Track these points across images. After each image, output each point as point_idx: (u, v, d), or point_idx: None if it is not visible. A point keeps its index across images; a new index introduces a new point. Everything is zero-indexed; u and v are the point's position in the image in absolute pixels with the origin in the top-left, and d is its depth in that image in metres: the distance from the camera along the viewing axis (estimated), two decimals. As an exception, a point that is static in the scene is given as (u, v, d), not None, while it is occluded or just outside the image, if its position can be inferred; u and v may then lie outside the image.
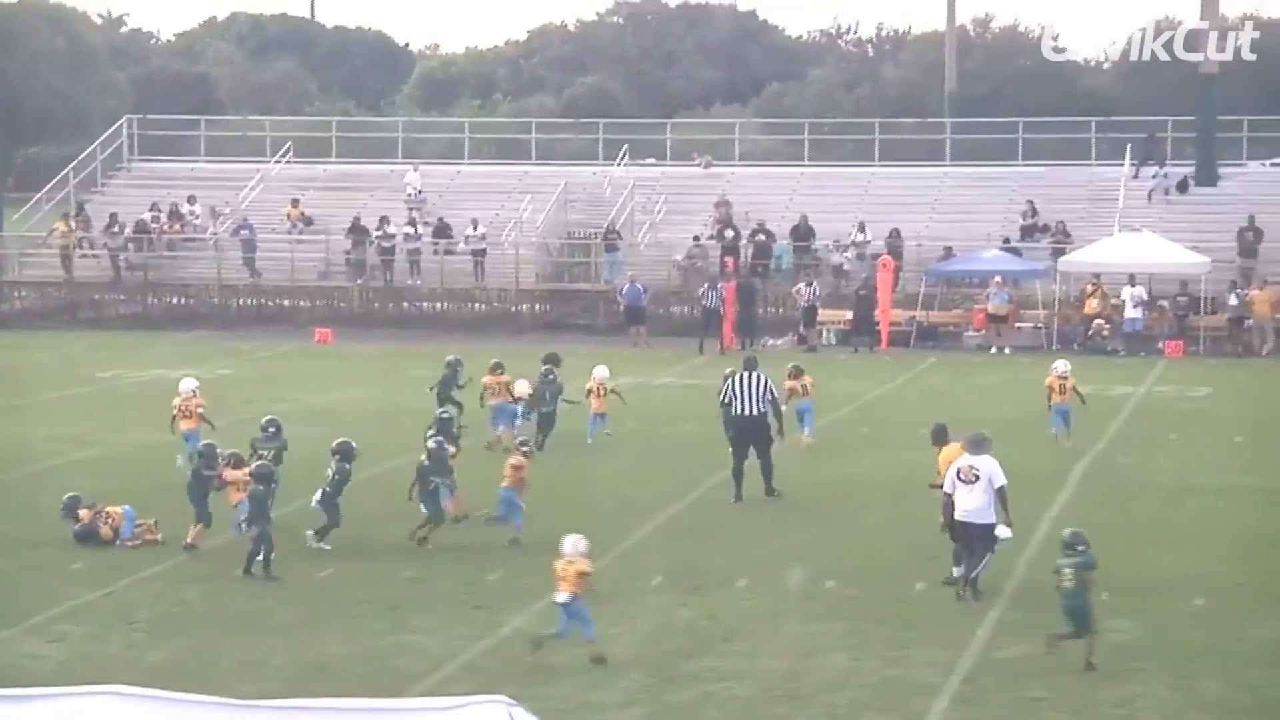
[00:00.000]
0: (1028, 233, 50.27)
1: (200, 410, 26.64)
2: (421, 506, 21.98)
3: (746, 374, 25.05)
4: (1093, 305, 45.03)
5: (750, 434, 24.73)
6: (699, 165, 57.90)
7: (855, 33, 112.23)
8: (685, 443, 29.49)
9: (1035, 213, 50.74)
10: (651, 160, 59.46)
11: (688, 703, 15.89)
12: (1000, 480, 19.11)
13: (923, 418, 31.36)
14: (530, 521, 22.19)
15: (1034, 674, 16.54)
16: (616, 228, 51.80)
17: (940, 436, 20.71)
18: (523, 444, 23.34)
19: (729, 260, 48.36)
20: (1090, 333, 42.59)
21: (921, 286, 47.69)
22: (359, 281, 51.98)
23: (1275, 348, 43.72)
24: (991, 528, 19.07)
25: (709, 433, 30.48)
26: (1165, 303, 45.74)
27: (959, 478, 19.24)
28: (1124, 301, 44.90)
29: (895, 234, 49.78)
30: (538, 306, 51.17)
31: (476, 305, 51.33)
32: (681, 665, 16.92)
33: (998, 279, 45.87)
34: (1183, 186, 52.38)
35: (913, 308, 46.79)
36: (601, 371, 30.30)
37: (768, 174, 57.75)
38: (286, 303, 51.59)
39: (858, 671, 16.68)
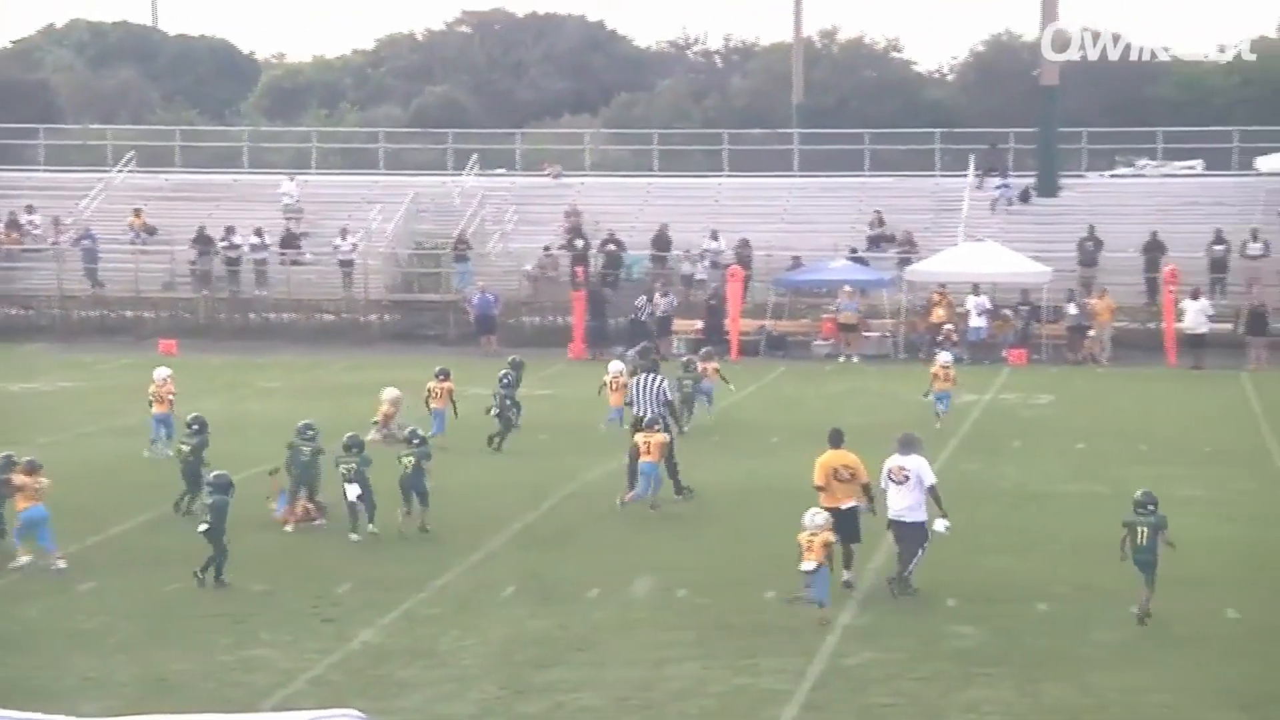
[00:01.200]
0: (875, 243, 50.75)
1: (170, 397, 28.64)
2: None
3: (645, 376, 26.23)
4: (938, 314, 45.56)
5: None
6: (549, 175, 57.88)
7: (703, 43, 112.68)
8: (538, 453, 29.44)
9: (882, 223, 51.26)
10: (501, 170, 59.39)
11: (539, 713, 15.85)
12: (930, 479, 19.66)
13: (773, 426, 31.69)
14: (376, 532, 22.24)
15: (881, 680, 16.68)
16: (466, 238, 51.61)
17: (837, 439, 20.70)
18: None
19: (579, 270, 48.36)
20: (940, 338, 43.13)
21: (770, 296, 48.01)
22: (204, 292, 51.35)
23: (1115, 355, 44.44)
24: (922, 525, 19.58)
25: (562, 443, 30.57)
26: (1009, 311, 46.40)
27: (890, 478, 19.76)
28: (968, 310, 45.50)
29: (744, 244, 50.06)
30: (387, 317, 50.87)
31: (325, 316, 50.90)
32: (533, 676, 16.87)
33: (847, 288, 46.30)
34: (1025, 197, 53.20)
35: (762, 317, 47.08)
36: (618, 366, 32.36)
37: (617, 184, 57.84)
38: (130, 314, 50.80)
39: (708, 680, 16.72)
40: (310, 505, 23.60)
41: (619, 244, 50.89)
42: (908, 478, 19.64)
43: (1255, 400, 36.96)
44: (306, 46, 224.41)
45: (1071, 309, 45.21)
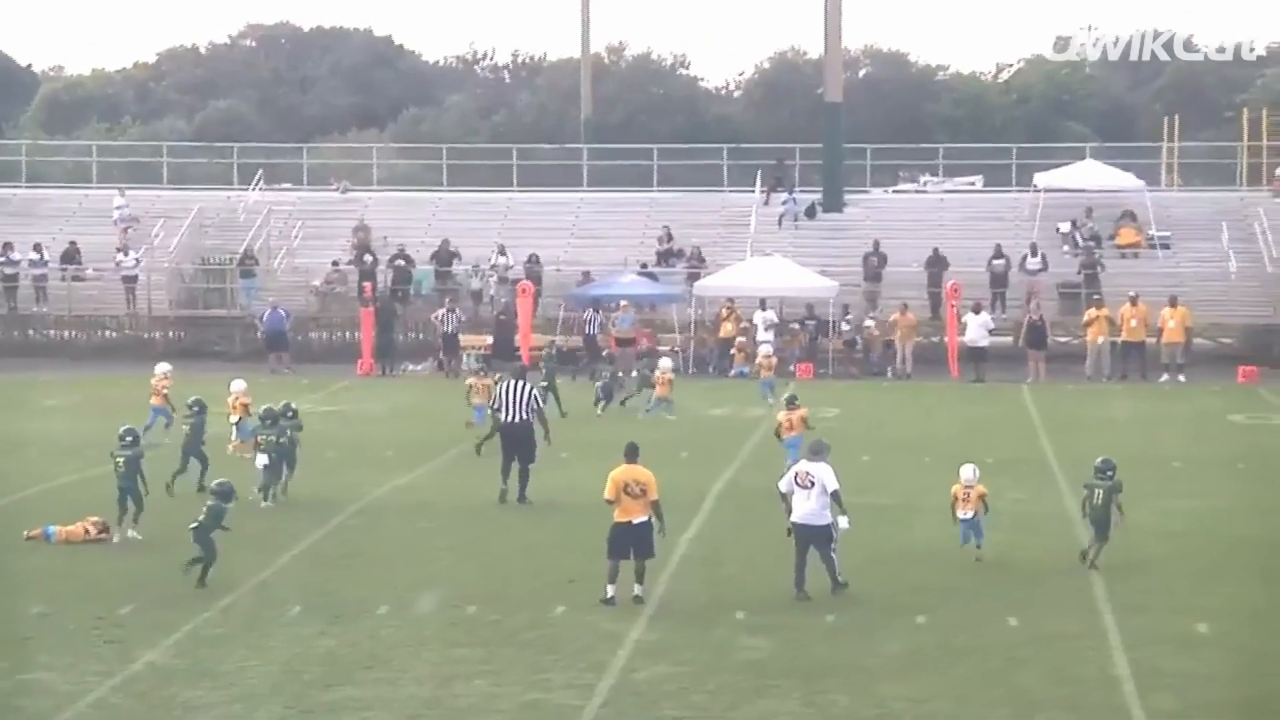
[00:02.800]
0: (664, 258, 51.05)
1: (165, 391, 31.33)
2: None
3: (513, 383, 26.68)
4: (727, 329, 45.94)
5: (515, 440, 26.30)
6: (336, 190, 57.39)
7: (491, 59, 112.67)
8: (324, 469, 29.09)
9: (671, 238, 51.57)
10: (287, 185, 58.75)
11: (328, 734, 15.64)
12: (834, 485, 20.38)
13: (563, 441, 31.60)
14: (153, 552, 22.07)
15: (672, 694, 16.72)
16: (253, 253, 50.95)
17: (632, 453, 20.71)
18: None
19: (367, 286, 47.95)
20: (734, 350, 43.36)
21: (561, 311, 48.03)
22: (-20, 310, 50.08)
23: (905, 371, 45.14)
24: (827, 528, 20.34)
25: (349, 460, 30.29)
26: (796, 325, 46.93)
27: (796, 483, 20.47)
28: (756, 325, 45.93)
29: (534, 259, 50.06)
30: (172, 333, 50.01)
31: (107, 333, 49.90)
32: (321, 695, 16.65)
33: (623, 303, 46.47)
34: (811, 212, 53.88)
35: (553, 332, 47.06)
36: (666, 362, 38.00)
37: (406, 199, 57.56)
38: (-99, 333, 49.39)
39: (498, 697, 16.63)
40: (95, 523, 23.19)
41: (408, 259, 50.59)
42: (813, 483, 20.38)
43: (1034, 411, 37.76)
44: (86, 59, 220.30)
45: (844, 325, 45.94)
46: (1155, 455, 30.09)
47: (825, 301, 47.05)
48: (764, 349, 40.03)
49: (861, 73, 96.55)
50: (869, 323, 46.35)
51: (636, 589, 19.90)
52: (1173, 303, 44.87)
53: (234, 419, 30.11)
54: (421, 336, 48.59)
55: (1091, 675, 17.23)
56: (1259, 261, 49.17)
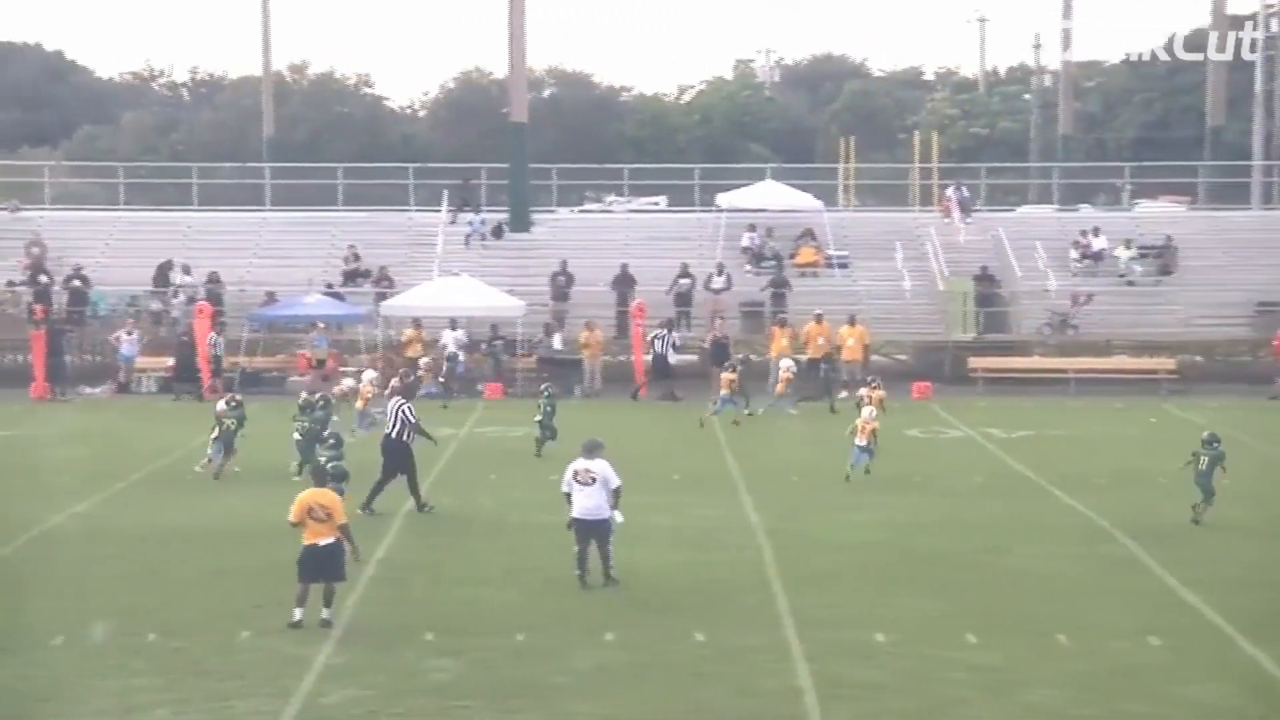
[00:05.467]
0: (350, 277, 50.57)
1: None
2: None
3: (398, 401, 27.62)
4: (415, 349, 45.71)
5: (394, 455, 27.11)
6: (7, 209, 55.59)
7: (169, 76, 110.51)
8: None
9: (357, 257, 51.11)
10: (-46, 204, 56.76)
11: (1, 771, 15.10)
12: (615, 482, 21.63)
13: (253, 465, 31.07)
14: None
15: (359, 717, 16.55)
16: (-82, 274, 49.10)
17: (319, 477, 20.45)
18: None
19: (38, 307, 46.40)
20: (421, 370, 43.06)
21: (245, 332, 47.25)
22: None
23: (596, 389, 45.41)
24: (606, 522, 21.52)
25: (22, 486, 29.36)
26: (485, 345, 46.90)
27: (576, 480, 21.59)
28: (446, 345, 45.77)
29: (215, 278, 49.17)
30: None
31: None
32: (-6, 732, 16.08)
33: (320, 325, 45.97)
34: (498, 232, 53.92)
35: (236, 353, 46.26)
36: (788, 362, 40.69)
37: (82, 218, 55.99)
38: None
39: (182, 726, 16.26)
40: None
41: (84, 280, 49.24)
42: (594, 479, 21.47)
43: (720, 429, 38.28)
44: None
45: (556, 342, 46.13)
46: (836, 470, 30.73)
47: (513, 321, 47.11)
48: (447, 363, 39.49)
49: (546, 93, 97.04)
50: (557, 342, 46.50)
51: (324, 612, 19.65)
52: (851, 321, 45.99)
53: None
54: (99, 359, 47.29)
55: (775, 688, 17.51)
56: (931, 280, 50.66)
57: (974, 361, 46.98)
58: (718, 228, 53.49)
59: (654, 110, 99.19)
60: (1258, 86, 72.86)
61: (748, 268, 51.61)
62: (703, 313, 48.55)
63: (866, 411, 31.26)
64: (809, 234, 52.78)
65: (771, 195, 55.63)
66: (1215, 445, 26.35)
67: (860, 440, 30.45)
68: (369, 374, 37.46)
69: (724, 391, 39.19)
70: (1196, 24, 61.25)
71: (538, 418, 33.92)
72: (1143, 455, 33.73)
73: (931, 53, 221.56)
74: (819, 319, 45.76)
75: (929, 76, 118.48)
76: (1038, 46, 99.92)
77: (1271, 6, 74.78)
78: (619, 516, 21.79)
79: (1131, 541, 24.75)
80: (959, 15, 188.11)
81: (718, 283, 49.53)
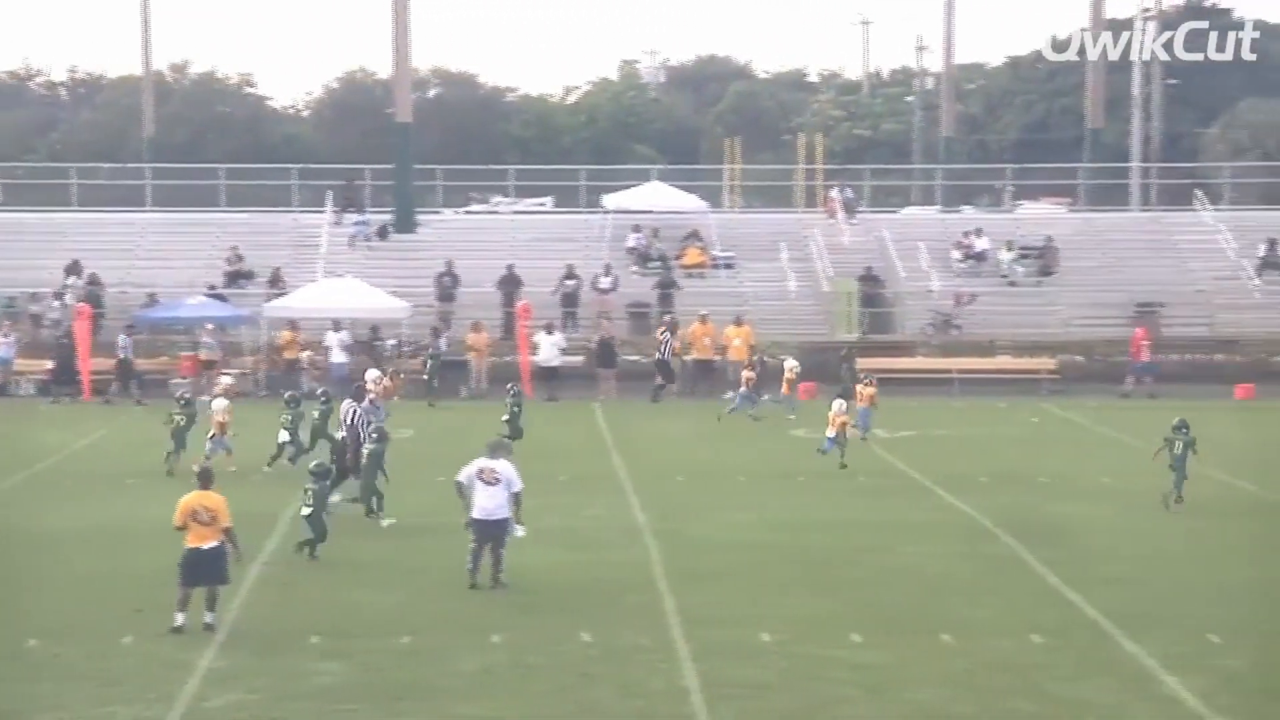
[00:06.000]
0: (233, 279, 50.11)
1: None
2: None
3: (348, 403, 28.51)
4: (293, 351, 45.40)
5: (344, 458, 27.57)
6: (-118, 209, 54.68)
7: (47, 75, 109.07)
8: None
9: (241, 259, 50.66)
10: None
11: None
12: (518, 485, 21.71)
13: (127, 468, 30.77)
14: None
15: (245, 722, 16.45)
16: None
17: (205, 479, 20.17)
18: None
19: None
20: (299, 369, 42.80)
21: (126, 336, 46.62)
22: None
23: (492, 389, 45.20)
24: (505, 523, 21.55)
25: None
26: (375, 346, 46.64)
27: (480, 479, 21.58)
28: (330, 346, 45.49)
29: (95, 280, 48.58)
30: None
31: None
32: None
33: (209, 325, 45.55)
34: (383, 233, 53.64)
35: (116, 355, 45.68)
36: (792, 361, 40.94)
37: (-43, 219, 55.12)
38: None
39: (62, 733, 16.07)
40: None
41: (-41, 281, 48.51)
42: (498, 479, 21.56)
43: (606, 429, 38.33)
44: None
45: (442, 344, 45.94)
46: (721, 469, 30.90)
47: (398, 322, 46.90)
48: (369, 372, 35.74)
49: (431, 93, 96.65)
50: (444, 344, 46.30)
51: (207, 616, 19.47)
52: (737, 321, 46.19)
53: None
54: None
55: (661, 688, 17.55)
56: (816, 281, 50.95)
57: (859, 362, 47.26)
58: (604, 229, 53.52)
59: (539, 111, 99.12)
60: (1135, 89, 73.99)
61: (634, 268, 51.69)
62: (589, 313, 48.57)
63: (836, 404, 32.96)
64: (695, 235, 52.94)
65: (657, 196, 55.74)
66: (1185, 430, 27.69)
67: (831, 431, 32.30)
68: (373, 373, 36.96)
69: (743, 389, 39.67)
70: (1077, 26, 61.85)
71: (505, 417, 33.91)
72: (1025, 454, 34.10)
73: (815, 55, 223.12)
74: (704, 319, 45.93)
75: (813, 78, 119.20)
76: (920, 49, 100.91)
77: (1149, 10, 75.90)
78: (520, 531, 21.81)
79: (1013, 540, 25.01)
80: (843, 17, 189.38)
81: (604, 283, 49.57)
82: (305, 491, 23.47)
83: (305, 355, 43.26)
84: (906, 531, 25.88)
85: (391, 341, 46.63)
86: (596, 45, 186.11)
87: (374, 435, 27.27)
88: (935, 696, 17.28)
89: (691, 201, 55.91)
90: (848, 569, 23.25)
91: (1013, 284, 51.48)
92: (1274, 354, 48.60)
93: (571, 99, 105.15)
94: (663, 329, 46.11)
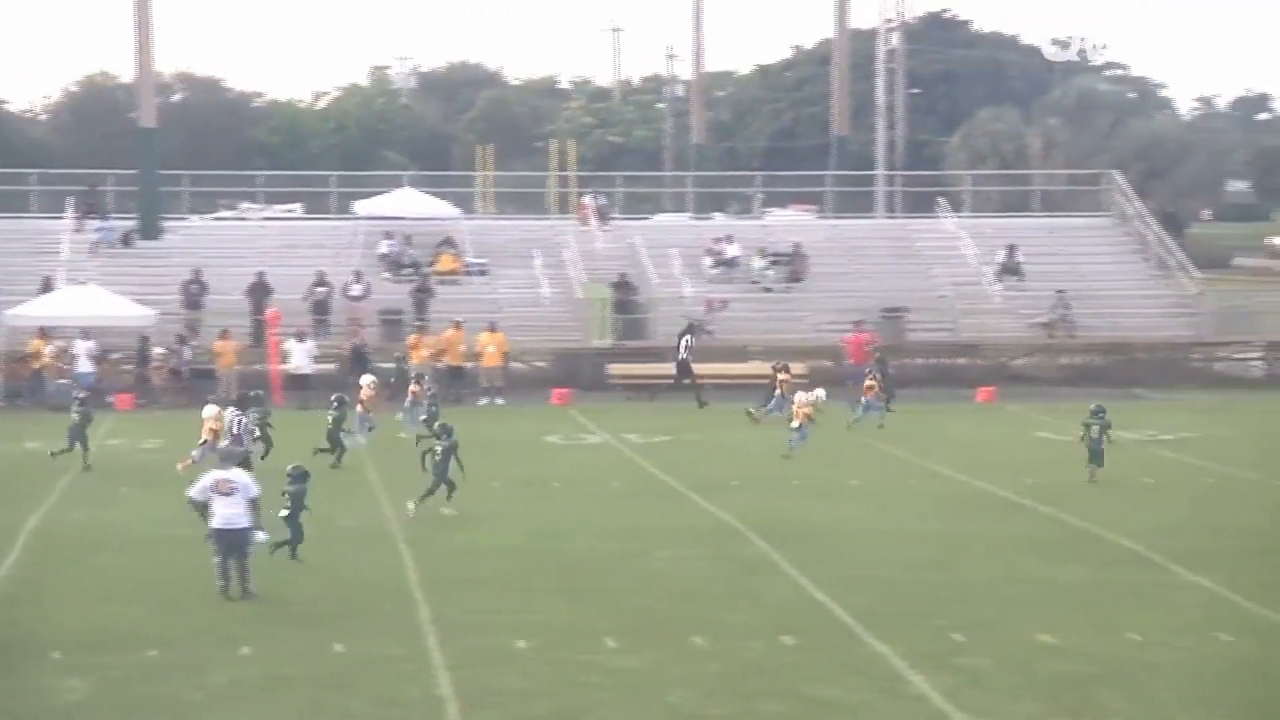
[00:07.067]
0: (-31, 286, 48.68)
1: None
2: None
3: (233, 411, 29.24)
4: (41, 359, 44.30)
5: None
6: None
7: None
8: None
9: (-24, 266, 49.25)
10: None
11: None
12: (255, 491, 21.52)
13: None
14: None
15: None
16: None
17: None
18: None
19: None
20: (44, 378, 41.62)
21: None
22: None
23: (231, 398, 44.46)
24: (246, 533, 21.35)
25: None
26: (117, 355, 45.66)
27: (215, 490, 21.42)
28: (76, 355, 44.44)
29: None
30: None
31: None
32: None
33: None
34: (127, 240, 52.53)
35: None
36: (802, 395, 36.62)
37: None
38: None
39: None
40: None
41: None
42: (235, 489, 21.35)
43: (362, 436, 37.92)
44: None
45: (186, 353, 45.11)
46: (474, 475, 30.77)
47: (145, 330, 45.94)
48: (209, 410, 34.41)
49: (176, 97, 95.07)
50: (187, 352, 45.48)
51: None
52: (491, 328, 46.13)
53: None
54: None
55: (417, 697, 17.44)
56: (569, 287, 51.09)
57: (612, 368, 47.53)
58: (355, 235, 53.08)
59: (288, 116, 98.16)
60: (880, 98, 75.53)
61: (386, 275, 51.32)
62: (341, 321, 48.11)
63: (799, 396, 34.86)
64: (448, 241, 52.74)
65: (409, 203, 55.45)
66: (1102, 415, 30.69)
67: (796, 422, 34.03)
68: (368, 377, 36.45)
69: (778, 393, 39.07)
70: (823, 36, 62.97)
71: (330, 427, 33.60)
72: (777, 458, 34.54)
73: (567, 62, 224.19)
74: (458, 326, 45.81)
75: (565, 85, 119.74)
76: (671, 56, 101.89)
77: (891, 21, 77.55)
78: (261, 535, 21.67)
79: (765, 543, 25.30)
80: (594, 25, 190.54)
81: (356, 290, 49.14)
82: (283, 494, 23.43)
83: (48, 362, 42.20)
84: (660, 536, 26.04)
85: (160, 350, 45.46)
86: (346, 50, 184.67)
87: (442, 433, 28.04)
88: (690, 699, 17.41)
89: (444, 208, 55.71)
90: (603, 575, 23.33)
91: (765, 290, 52.15)
92: (1014, 358, 49.92)
93: (321, 104, 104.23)
94: (685, 331, 46.23)
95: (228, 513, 21.35)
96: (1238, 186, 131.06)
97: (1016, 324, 50.98)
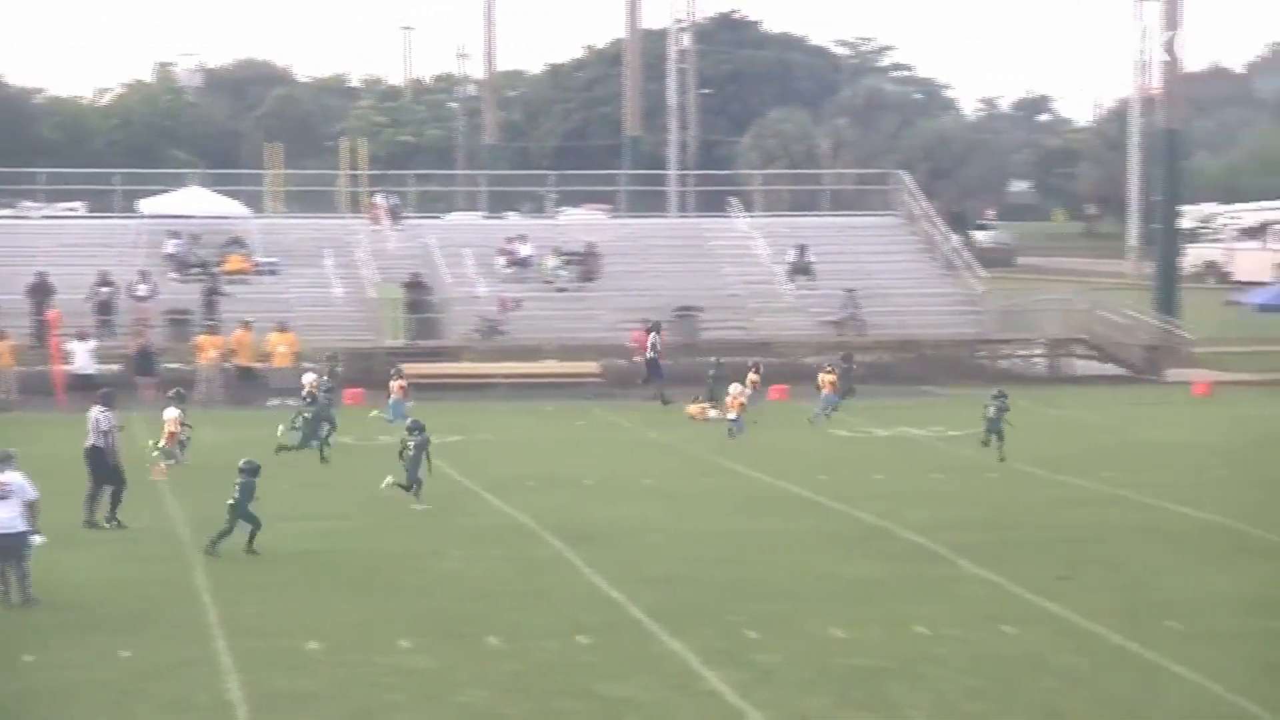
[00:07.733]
0: None
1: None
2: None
3: (95, 408, 27.24)
4: None
5: (94, 465, 26.60)
6: None
7: None
8: None
9: None
10: None
11: None
12: (32, 494, 20.92)
13: None
14: None
15: None
16: None
17: None
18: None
19: None
20: None
21: None
22: None
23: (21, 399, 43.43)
24: (23, 536, 20.83)
25: None
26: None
27: None
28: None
29: None
30: None
31: None
32: None
33: None
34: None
35: None
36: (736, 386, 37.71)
37: None
38: None
39: None
40: None
41: None
42: (10, 492, 20.75)
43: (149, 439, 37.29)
44: None
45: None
46: (267, 477, 30.35)
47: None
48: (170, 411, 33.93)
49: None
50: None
51: None
52: (281, 328, 45.57)
53: None
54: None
55: (207, 702, 17.18)
56: (361, 287, 50.67)
57: (405, 367, 47.17)
58: (140, 234, 52.14)
59: (70, 113, 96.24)
60: (671, 98, 75.97)
61: (173, 275, 50.46)
62: (127, 321, 47.22)
63: (734, 387, 36.96)
64: (237, 241, 52.01)
65: (196, 202, 54.73)
66: (1002, 398, 33.54)
67: (731, 413, 36.35)
68: (171, 411, 34.59)
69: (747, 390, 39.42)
70: (615, 36, 63.20)
71: (296, 424, 34.14)
72: (571, 458, 34.56)
73: (357, 60, 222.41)
74: (246, 326, 45.20)
75: (355, 84, 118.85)
76: (462, 55, 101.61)
77: (682, 22, 78.05)
78: (39, 539, 21.11)
79: (560, 542, 25.32)
80: (384, 23, 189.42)
81: (141, 290, 48.26)
82: (234, 485, 24.05)
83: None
84: (454, 536, 25.95)
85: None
86: (130, 46, 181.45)
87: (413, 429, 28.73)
88: (484, 699, 17.35)
89: (233, 207, 55.02)
90: (395, 575, 23.17)
91: (559, 289, 52.16)
92: (805, 356, 50.44)
93: (104, 101, 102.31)
94: (649, 329, 45.90)
95: (3, 516, 20.81)
96: (1020, 186, 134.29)
97: (808, 322, 51.55)
